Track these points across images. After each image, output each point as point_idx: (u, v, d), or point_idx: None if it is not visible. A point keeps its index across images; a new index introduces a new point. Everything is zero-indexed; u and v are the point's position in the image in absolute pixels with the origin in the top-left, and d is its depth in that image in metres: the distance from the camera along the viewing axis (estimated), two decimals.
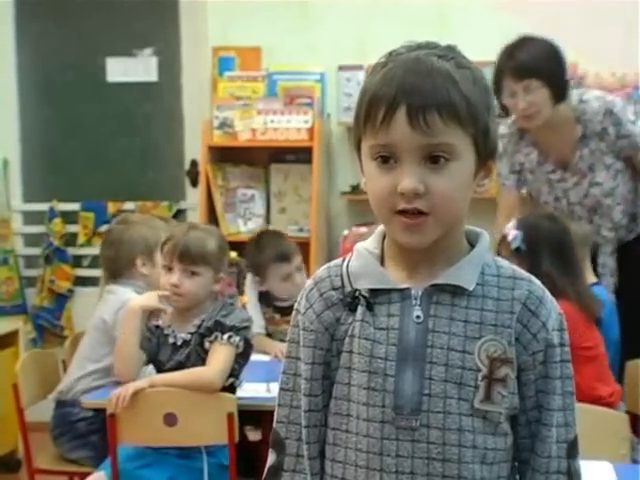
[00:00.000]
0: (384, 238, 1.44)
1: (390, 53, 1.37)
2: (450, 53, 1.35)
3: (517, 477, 1.43)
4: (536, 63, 3.49)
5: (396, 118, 1.30)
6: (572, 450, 1.42)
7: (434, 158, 1.32)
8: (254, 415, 3.14)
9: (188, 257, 3.02)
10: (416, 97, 1.29)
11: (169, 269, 3.05)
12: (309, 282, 1.47)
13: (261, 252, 3.87)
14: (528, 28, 4.79)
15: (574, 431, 1.42)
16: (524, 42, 3.54)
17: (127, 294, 3.52)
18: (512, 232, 3.24)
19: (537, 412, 1.40)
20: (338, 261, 1.47)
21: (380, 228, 1.44)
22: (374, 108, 1.32)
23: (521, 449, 1.42)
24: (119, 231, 3.73)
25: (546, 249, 3.19)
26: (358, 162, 1.41)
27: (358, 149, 1.39)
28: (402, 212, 1.33)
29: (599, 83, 4.62)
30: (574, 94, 3.63)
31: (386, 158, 1.33)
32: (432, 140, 1.30)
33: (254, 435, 3.47)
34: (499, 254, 3.27)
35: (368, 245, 1.44)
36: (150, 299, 3.09)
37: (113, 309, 3.52)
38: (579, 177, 3.67)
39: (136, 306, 3.07)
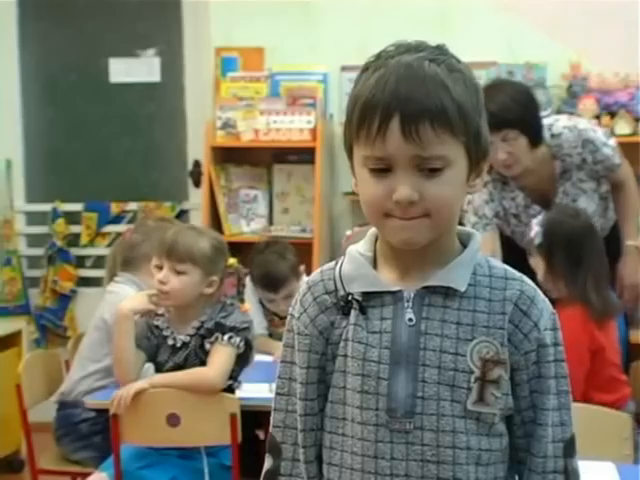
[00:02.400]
0: (376, 240, 1.44)
1: (379, 55, 1.36)
2: (441, 55, 1.35)
3: (516, 477, 1.43)
4: (511, 113, 3.42)
5: (390, 129, 1.30)
6: (569, 449, 1.41)
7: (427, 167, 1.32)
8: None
9: (175, 254, 3.00)
10: (409, 107, 1.29)
11: (160, 268, 3.04)
12: (303, 286, 1.47)
13: (255, 268, 3.83)
14: (530, 29, 4.80)
15: (570, 430, 1.42)
16: (496, 91, 3.44)
17: (128, 293, 3.51)
18: (535, 228, 3.22)
19: (532, 412, 1.40)
20: (331, 264, 1.47)
21: (372, 230, 1.44)
22: (368, 117, 1.32)
23: (518, 449, 1.42)
24: (156, 225, 3.75)
25: (562, 247, 3.15)
26: (350, 164, 1.41)
27: (349, 151, 1.39)
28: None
29: (602, 83, 4.62)
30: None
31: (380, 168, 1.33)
32: (424, 152, 1.31)
33: None
34: (529, 252, 3.27)
35: (360, 248, 1.44)
36: (139, 301, 3.05)
37: (113, 309, 3.52)
38: None
39: (126, 309, 3.01)
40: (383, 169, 1.33)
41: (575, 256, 3.15)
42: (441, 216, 1.34)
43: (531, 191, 3.67)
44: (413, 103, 1.29)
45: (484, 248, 3.98)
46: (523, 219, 3.70)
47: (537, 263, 3.27)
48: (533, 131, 3.49)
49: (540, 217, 3.27)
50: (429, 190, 1.32)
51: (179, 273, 3.01)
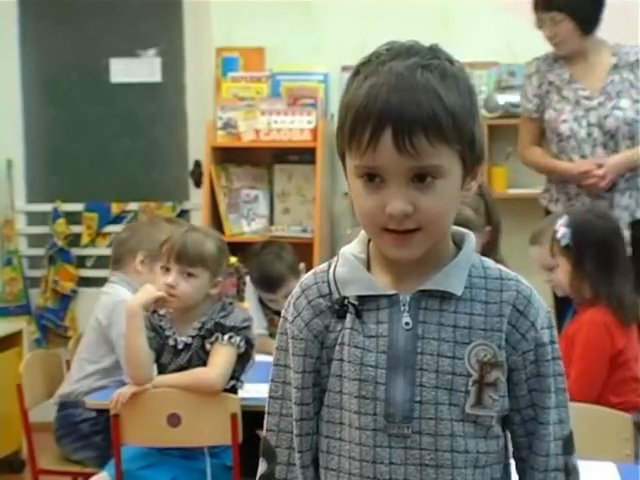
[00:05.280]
0: (369, 241, 1.42)
1: (370, 58, 1.34)
2: (434, 59, 1.32)
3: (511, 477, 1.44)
4: None
5: (382, 141, 1.28)
6: (568, 446, 1.41)
7: (421, 177, 1.30)
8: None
9: (185, 258, 2.98)
10: (401, 119, 1.28)
11: (166, 270, 3.01)
12: (296, 289, 1.46)
13: (253, 269, 3.83)
14: (531, 28, 4.79)
15: (568, 427, 1.42)
16: None
17: (121, 294, 3.52)
18: (562, 229, 3.21)
19: (532, 410, 1.40)
20: (324, 266, 1.45)
21: (365, 232, 1.42)
22: (359, 129, 1.30)
23: (519, 448, 1.42)
24: (142, 223, 3.76)
25: (593, 249, 3.16)
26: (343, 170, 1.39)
27: (342, 158, 1.38)
28: (391, 230, 1.32)
29: None
30: None
31: (372, 176, 1.32)
32: (419, 163, 1.29)
33: None
34: (551, 249, 3.28)
35: (354, 250, 1.43)
36: (147, 292, 2.99)
37: (107, 310, 3.53)
38: (605, 98, 3.90)
39: (135, 306, 2.95)
40: (374, 176, 1.31)
41: (606, 257, 3.16)
42: (435, 229, 1.33)
43: (580, 74, 3.96)
44: (405, 115, 1.28)
45: (528, 137, 4.14)
46: (565, 93, 3.94)
47: (541, 257, 3.34)
48: (584, 18, 3.85)
49: (565, 217, 3.26)
50: (423, 202, 1.30)
51: (189, 276, 2.99)
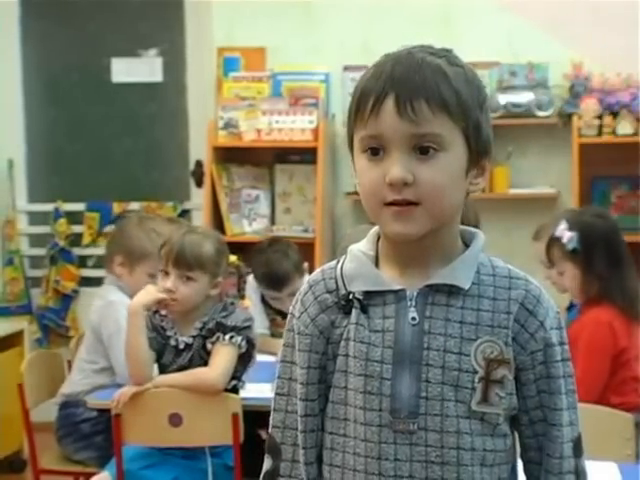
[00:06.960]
0: (378, 240, 1.43)
1: (386, 55, 1.37)
2: (443, 52, 1.36)
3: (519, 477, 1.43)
4: None
5: (384, 108, 1.31)
6: (577, 449, 1.41)
7: (423, 149, 1.32)
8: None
9: (183, 262, 2.97)
10: (404, 87, 1.30)
11: (165, 273, 3.00)
12: (304, 286, 1.47)
13: (258, 267, 3.83)
14: (532, 28, 4.80)
15: (578, 429, 1.42)
16: None
17: (111, 295, 3.53)
18: (567, 234, 3.21)
19: (541, 412, 1.39)
20: (332, 263, 1.46)
21: (374, 230, 1.44)
22: (363, 100, 1.33)
23: (527, 449, 1.42)
24: (125, 223, 3.78)
25: (601, 248, 3.17)
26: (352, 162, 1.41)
27: (351, 148, 1.39)
28: (392, 204, 1.32)
29: (604, 83, 4.62)
30: None
31: (376, 150, 1.33)
32: (420, 130, 1.30)
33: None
34: (549, 256, 3.27)
35: (362, 247, 1.43)
36: (149, 293, 2.99)
37: (98, 312, 3.54)
38: None
39: (137, 306, 2.95)
40: (378, 149, 1.32)
41: (615, 255, 3.18)
42: (434, 204, 1.32)
43: None
44: (408, 83, 1.30)
45: None
46: None
47: (541, 253, 3.32)
48: None
49: (565, 223, 3.26)
50: (423, 172, 1.31)
51: (188, 279, 2.98)
